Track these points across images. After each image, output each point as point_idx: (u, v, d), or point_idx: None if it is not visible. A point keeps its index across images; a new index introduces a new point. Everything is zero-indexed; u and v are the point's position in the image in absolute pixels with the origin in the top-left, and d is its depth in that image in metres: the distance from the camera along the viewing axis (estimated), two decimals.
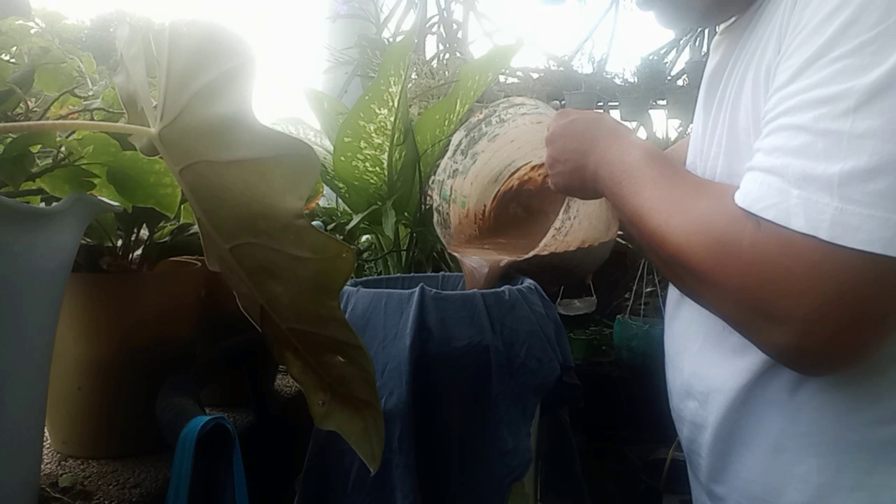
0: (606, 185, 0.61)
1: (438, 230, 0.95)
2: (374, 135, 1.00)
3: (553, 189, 0.73)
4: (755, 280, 0.43)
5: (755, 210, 0.44)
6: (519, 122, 0.93)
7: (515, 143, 0.97)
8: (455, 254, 0.92)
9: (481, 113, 0.94)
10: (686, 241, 0.48)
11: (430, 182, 1.02)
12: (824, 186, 0.40)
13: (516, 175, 1.02)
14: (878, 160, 0.39)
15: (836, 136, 0.41)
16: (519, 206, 1.04)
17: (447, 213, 0.96)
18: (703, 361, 0.60)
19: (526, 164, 1.00)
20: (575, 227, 0.81)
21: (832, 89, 0.42)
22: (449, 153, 0.96)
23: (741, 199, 0.46)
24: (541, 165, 0.99)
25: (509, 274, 0.86)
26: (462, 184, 0.98)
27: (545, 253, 0.82)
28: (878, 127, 0.40)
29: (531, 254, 0.82)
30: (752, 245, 0.44)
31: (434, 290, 0.71)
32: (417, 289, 0.70)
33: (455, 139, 0.96)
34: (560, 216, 0.79)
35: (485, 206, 1.02)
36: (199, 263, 0.76)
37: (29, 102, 0.53)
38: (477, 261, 0.87)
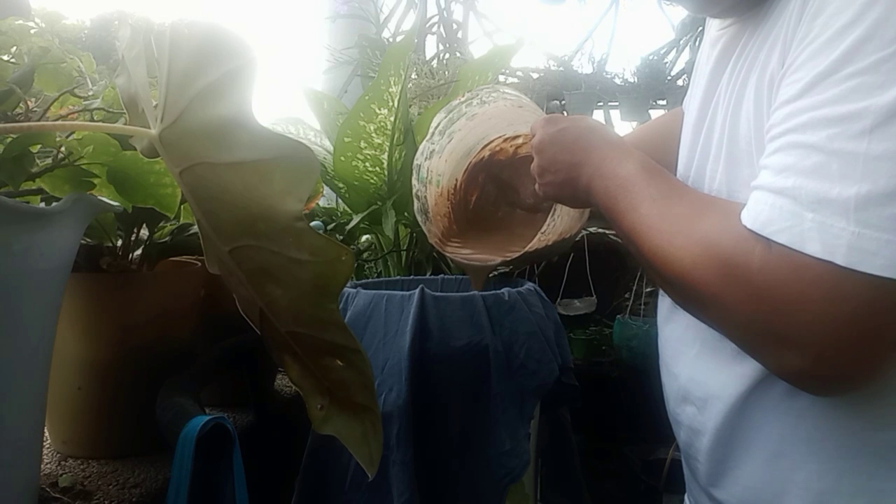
0: (601, 198, 0.60)
1: (419, 219, 0.93)
2: (374, 135, 1.00)
3: (542, 197, 0.72)
4: (767, 305, 0.42)
5: (766, 233, 0.42)
6: (500, 104, 0.92)
7: (493, 120, 0.95)
8: (446, 254, 0.92)
9: (463, 96, 0.93)
10: (692, 262, 0.47)
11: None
12: (840, 210, 0.39)
13: (488, 147, 1.00)
14: (895, 184, 0.38)
15: (851, 157, 0.39)
16: (488, 178, 1.02)
17: (425, 197, 0.94)
18: (700, 367, 0.59)
19: (499, 136, 0.98)
20: (557, 225, 0.83)
21: (846, 108, 0.40)
22: (427, 136, 0.94)
23: (750, 220, 0.44)
24: (514, 137, 0.98)
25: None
26: (438, 163, 0.96)
27: (531, 250, 0.84)
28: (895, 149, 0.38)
29: (519, 254, 0.84)
30: (762, 269, 0.42)
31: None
32: (418, 289, 0.70)
33: (434, 121, 0.93)
34: (546, 221, 0.80)
35: (457, 179, 1.00)
36: (199, 263, 0.76)
37: (29, 102, 0.53)
38: (468, 260, 0.88)
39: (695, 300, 0.50)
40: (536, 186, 0.71)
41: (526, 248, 0.83)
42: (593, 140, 0.63)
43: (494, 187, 1.03)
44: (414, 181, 0.94)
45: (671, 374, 0.65)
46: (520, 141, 0.98)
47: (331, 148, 1.08)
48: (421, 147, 0.94)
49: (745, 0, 0.56)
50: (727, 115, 0.55)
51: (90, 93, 0.60)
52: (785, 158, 0.43)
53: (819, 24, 0.43)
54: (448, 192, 0.99)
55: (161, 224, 0.71)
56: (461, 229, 1.00)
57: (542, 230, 0.81)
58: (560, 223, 0.83)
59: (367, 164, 1.03)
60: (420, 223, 0.93)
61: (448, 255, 0.92)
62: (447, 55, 2.02)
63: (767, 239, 0.42)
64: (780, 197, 0.43)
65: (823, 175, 0.40)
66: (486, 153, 1.00)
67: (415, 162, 0.94)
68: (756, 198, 0.45)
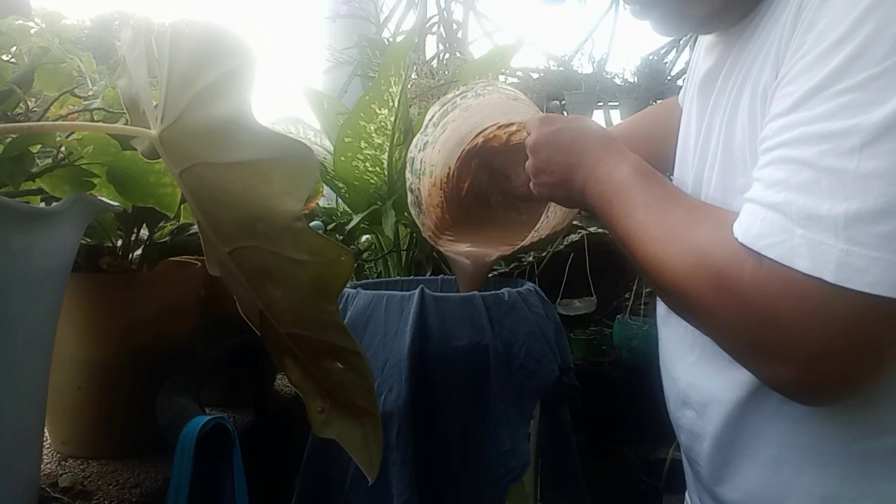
0: (595, 201, 0.60)
1: (413, 212, 0.93)
2: (374, 135, 1.00)
3: (537, 197, 0.72)
4: (757, 318, 0.43)
5: (757, 247, 0.43)
6: (495, 97, 0.92)
7: (487, 110, 0.95)
8: (439, 248, 0.92)
9: (458, 89, 0.92)
10: (684, 272, 0.47)
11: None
12: (829, 227, 0.40)
13: (482, 134, 0.99)
14: (885, 202, 0.38)
15: (841, 174, 0.40)
16: (481, 164, 1.02)
17: (419, 189, 0.94)
18: (699, 372, 0.59)
19: (492, 124, 0.98)
20: (550, 220, 0.83)
21: (837, 124, 0.41)
22: (422, 128, 0.93)
23: (742, 234, 0.44)
24: (507, 125, 0.98)
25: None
26: (431, 154, 0.95)
27: (526, 244, 0.84)
28: (885, 168, 0.39)
29: (513, 250, 0.85)
30: (753, 282, 0.43)
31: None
32: (418, 289, 0.70)
33: (429, 114, 0.93)
34: (541, 219, 0.81)
35: (449, 168, 1.00)
36: (199, 263, 0.76)
37: (29, 102, 0.53)
38: (463, 255, 0.88)
39: (687, 308, 0.50)
40: (531, 185, 0.71)
41: (521, 244, 0.84)
42: (588, 141, 0.63)
43: (487, 174, 1.03)
44: (408, 174, 0.93)
45: (671, 377, 0.65)
46: (513, 128, 0.97)
47: (331, 148, 1.08)
48: (415, 140, 0.93)
49: (715, 19, 0.57)
50: (723, 122, 0.55)
51: (90, 93, 0.60)
52: (776, 172, 0.44)
53: (812, 38, 0.44)
54: (441, 182, 0.99)
55: (161, 224, 0.71)
56: (454, 220, 0.99)
57: (536, 227, 0.81)
58: (553, 218, 0.83)
59: (367, 164, 1.03)
60: (414, 217, 0.93)
61: (442, 249, 0.91)
62: (447, 55, 2.02)
63: (758, 253, 0.43)
64: (770, 211, 0.43)
65: (814, 191, 0.41)
66: (480, 140, 0.99)
67: (409, 155, 0.93)
68: (748, 210, 0.45)
